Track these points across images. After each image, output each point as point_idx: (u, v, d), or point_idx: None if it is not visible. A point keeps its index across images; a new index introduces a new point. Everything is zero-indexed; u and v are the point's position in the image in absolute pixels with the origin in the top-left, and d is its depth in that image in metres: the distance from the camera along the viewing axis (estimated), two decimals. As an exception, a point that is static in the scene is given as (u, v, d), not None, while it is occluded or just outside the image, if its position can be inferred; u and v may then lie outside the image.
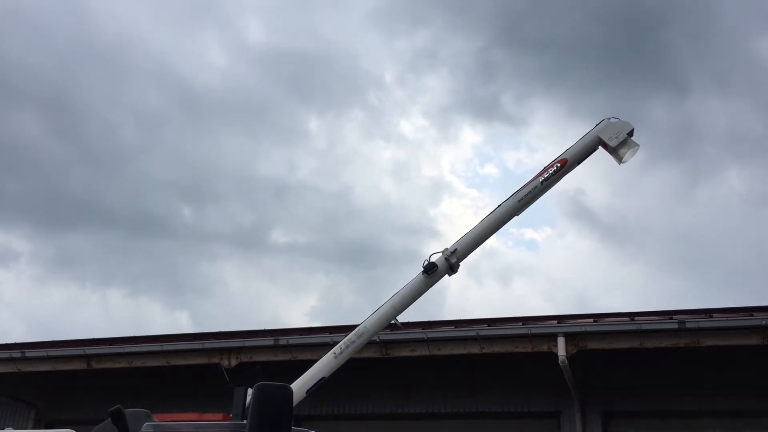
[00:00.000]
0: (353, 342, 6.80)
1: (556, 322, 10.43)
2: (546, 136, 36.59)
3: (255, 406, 3.27)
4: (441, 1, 34.24)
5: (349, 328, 11.68)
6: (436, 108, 37.63)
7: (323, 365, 6.74)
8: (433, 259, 6.91)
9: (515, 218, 7.04)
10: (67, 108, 31.80)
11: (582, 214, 34.12)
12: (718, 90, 31.65)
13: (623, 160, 7.40)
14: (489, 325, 10.64)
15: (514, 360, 10.31)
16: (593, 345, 9.55)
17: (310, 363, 10.85)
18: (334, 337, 10.75)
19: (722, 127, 30.89)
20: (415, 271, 6.86)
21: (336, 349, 6.73)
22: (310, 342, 10.84)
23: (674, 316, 9.88)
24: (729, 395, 9.55)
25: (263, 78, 35.77)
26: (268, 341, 11.01)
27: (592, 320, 10.50)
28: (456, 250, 6.97)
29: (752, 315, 9.56)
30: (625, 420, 10.29)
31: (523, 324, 10.41)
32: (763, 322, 8.79)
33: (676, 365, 9.86)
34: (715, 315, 9.89)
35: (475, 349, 10.06)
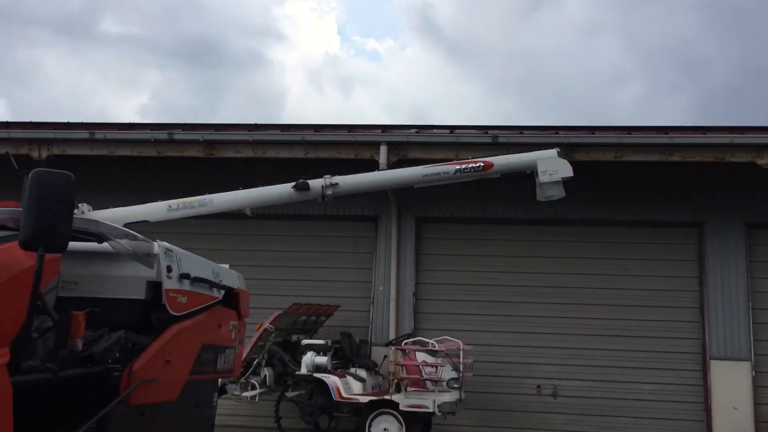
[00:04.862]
0: (193, 207, 6.66)
1: (380, 131, 10.72)
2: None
3: (30, 191, 3.09)
4: None
5: (176, 126, 11.33)
6: None
7: (153, 210, 6.62)
8: (311, 182, 6.86)
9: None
10: None
11: (427, 27, 34.00)
12: None
13: (538, 198, 7.17)
14: (316, 131, 10.75)
15: (338, 166, 10.57)
16: (413, 155, 9.99)
17: (128, 159, 10.57)
18: (155, 134, 10.42)
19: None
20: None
21: (174, 204, 6.58)
22: (129, 138, 10.45)
23: (489, 131, 10.50)
24: (521, 204, 10.55)
25: None
26: (84, 134, 10.49)
27: (414, 131, 10.91)
28: (337, 184, 7.04)
29: (558, 133, 10.37)
30: (435, 225, 11.15)
31: (348, 131, 10.62)
32: (566, 140, 9.57)
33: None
34: (525, 132, 10.61)
35: (300, 154, 10.20)
